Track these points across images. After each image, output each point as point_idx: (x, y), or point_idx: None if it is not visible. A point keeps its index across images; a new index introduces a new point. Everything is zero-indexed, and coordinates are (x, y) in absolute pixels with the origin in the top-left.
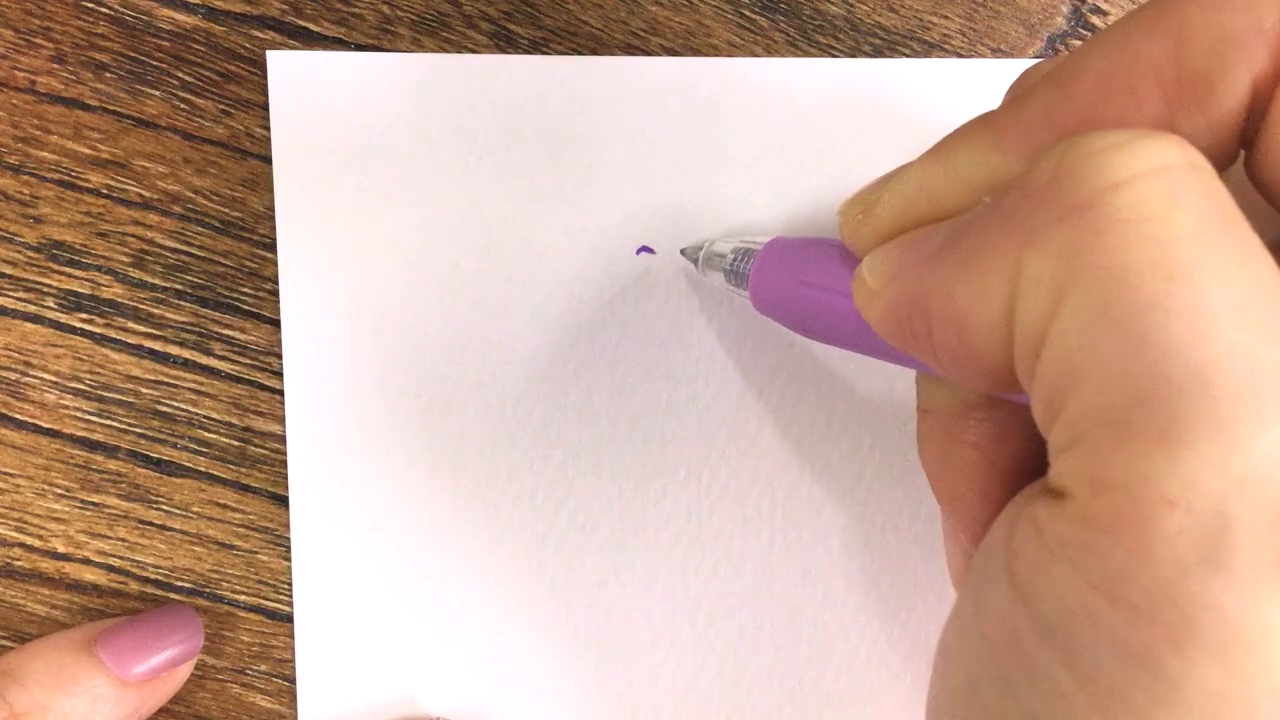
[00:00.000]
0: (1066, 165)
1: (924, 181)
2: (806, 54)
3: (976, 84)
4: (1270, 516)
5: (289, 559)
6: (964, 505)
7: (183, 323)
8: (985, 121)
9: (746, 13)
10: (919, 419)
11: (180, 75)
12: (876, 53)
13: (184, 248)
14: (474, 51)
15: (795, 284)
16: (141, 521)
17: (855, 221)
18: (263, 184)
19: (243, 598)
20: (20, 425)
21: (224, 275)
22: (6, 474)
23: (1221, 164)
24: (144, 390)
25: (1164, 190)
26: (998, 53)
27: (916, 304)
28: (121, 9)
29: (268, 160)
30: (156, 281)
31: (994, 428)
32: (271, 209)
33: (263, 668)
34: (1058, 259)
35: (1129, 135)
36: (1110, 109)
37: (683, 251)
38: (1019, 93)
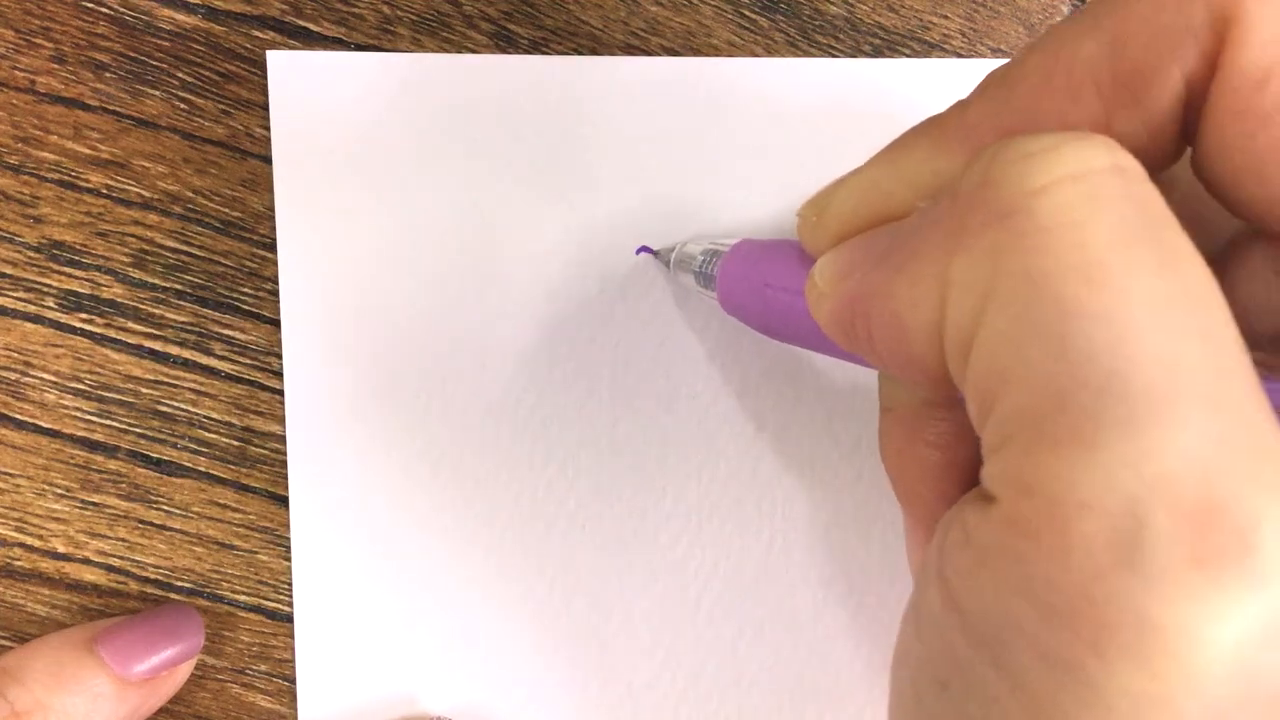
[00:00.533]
0: (993, 171)
1: (874, 183)
2: (806, 54)
3: (976, 84)
4: (1184, 516)
5: (289, 559)
6: (922, 504)
7: (183, 323)
8: (932, 123)
9: (746, 13)
10: (880, 417)
11: (180, 75)
12: (876, 53)
13: (184, 248)
14: (474, 51)
15: (758, 286)
16: (141, 521)
17: (810, 223)
18: (263, 184)
19: (243, 598)
20: (20, 425)
21: (224, 275)
22: (6, 474)
23: (1162, 163)
24: (144, 390)
25: (1086, 194)
26: (998, 53)
27: (859, 306)
28: (121, 9)
29: (268, 160)
30: (156, 281)
31: (953, 427)
32: (271, 209)
33: (263, 668)
34: (982, 264)
35: (1055, 139)
36: (1049, 109)
37: (655, 253)
38: (970, 94)
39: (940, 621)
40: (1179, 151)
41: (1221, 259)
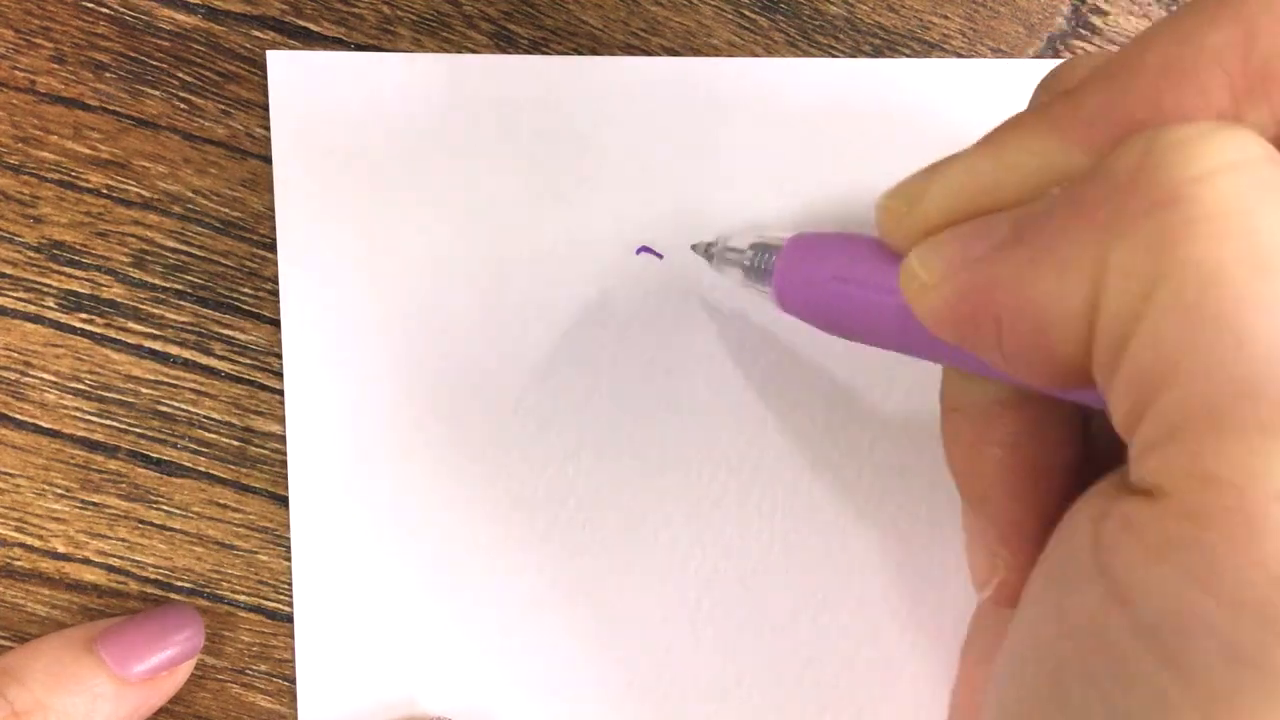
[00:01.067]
0: (1149, 157)
1: (975, 173)
2: (806, 54)
3: (976, 84)
4: None
5: (289, 559)
6: (992, 505)
7: (183, 323)
8: (1039, 114)
9: (746, 13)
10: (946, 418)
11: (180, 75)
12: (876, 53)
13: (184, 248)
14: (474, 51)
15: (827, 280)
16: (141, 521)
17: (898, 214)
18: (263, 184)
19: (243, 598)
20: (20, 425)
21: (224, 275)
22: (6, 474)
23: None
24: (144, 390)
25: (1251, 183)
26: (998, 53)
27: (982, 297)
28: (121, 9)
29: (268, 160)
30: (156, 281)
31: (1025, 425)
32: (271, 209)
33: (263, 668)
34: (1146, 252)
35: (1209, 127)
36: (1174, 101)
37: (693, 247)
38: (1065, 86)
39: (1098, 615)
40: None
41: None
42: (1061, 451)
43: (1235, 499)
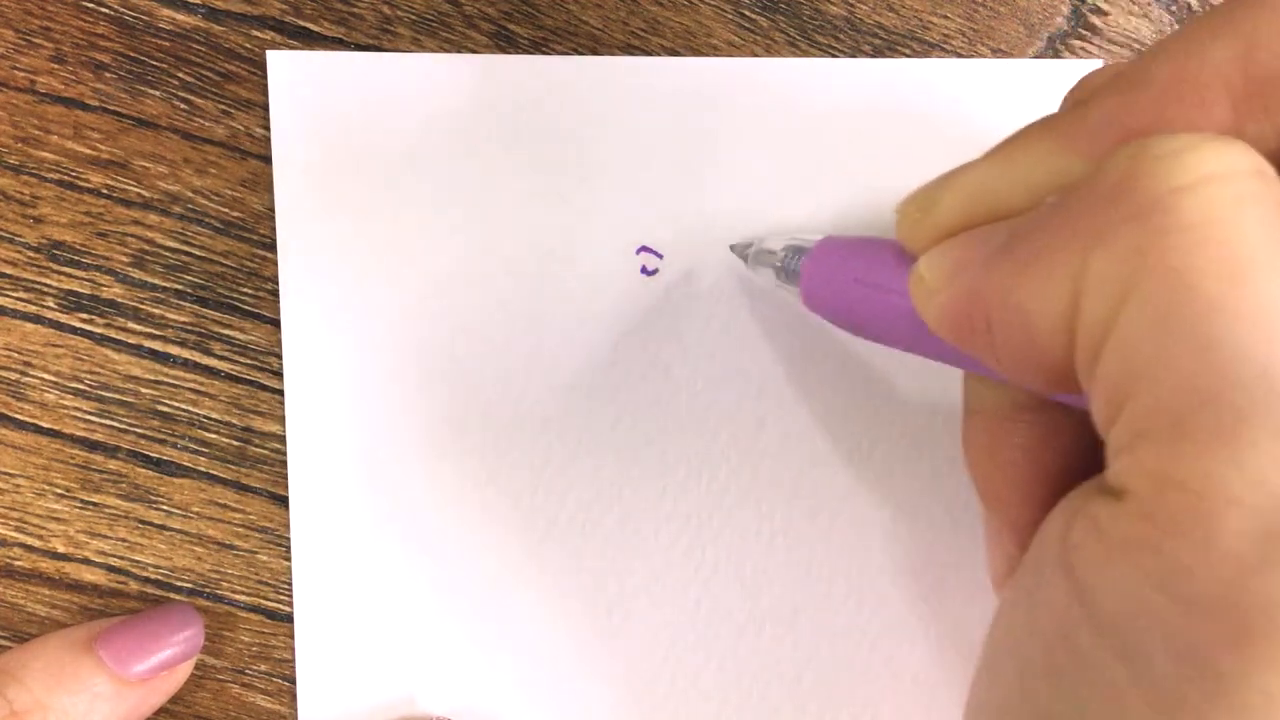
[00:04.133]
0: (1134, 168)
1: (986, 181)
2: (806, 54)
3: (976, 84)
4: None
5: (289, 559)
6: (1009, 507)
7: (183, 323)
8: (1049, 124)
9: (746, 13)
10: (966, 421)
11: (180, 75)
12: (876, 53)
13: (184, 248)
14: (474, 51)
15: (849, 283)
16: (141, 521)
17: (913, 220)
18: (263, 184)
19: (243, 598)
20: (20, 425)
21: (224, 275)
22: (6, 474)
23: None
24: (144, 390)
25: (1231, 194)
26: (998, 53)
27: (976, 302)
28: (121, 9)
29: (268, 160)
30: (156, 281)
31: (1041, 430)
32: (271, 209)
33: (263, 668)
34: (1123, 260)
35: (1197, 139)
36: (1178, 114)
37: (732, 247)
38: (1082, 96)
39: (1062, 613)
40: None
41: None
42: (1076, 455)
43: (1192, 503)
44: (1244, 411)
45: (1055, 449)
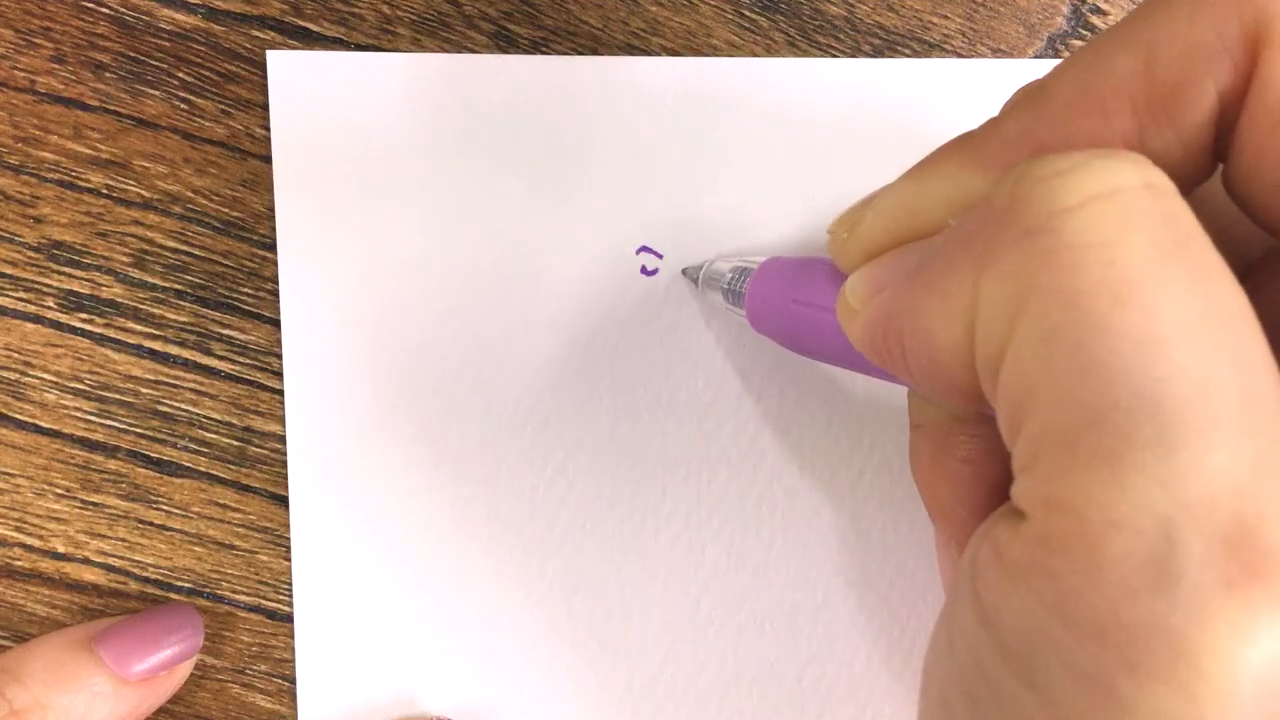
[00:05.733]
0: (1022, 189)
1: (904, 200)
2: (806, 54)
3: (976, 84)
4: (1217, 539)
5: (289, 559)
6: (954, 520)
7: (183, 323)
8: (963, 141)
9: (746, 13)
10: (911, 434)
11: (180, 75)
12: (876, 53)
13: (184, 248)
14: (474, 51)
15: (788, 303)
16: (141, 521)
17: (840, 240)
18: (263, 184)
19: (243, 598)
20: (20, 425)
21: (224, 275)
22: (6, 474)
23: (1195, 180)
24: (144, 390)
25: (1116, 212)
26: (998, 53)
27: (890, 323)
28: (121, 9)
29: (268, 160)
30: (156, 281)
31: (984, 444)
32: (271, 209)
33: (263, 668)
34: (1011, 282)
35: (1084, 157)
36: (1082, 126)
37: (684, 271)
38: (1001, 111)
39: (972, 636)
40: (1212, 168)
41: (1253, 276)
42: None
43: (1079, 526)
44: (1127, 434)
45: (999, 462)
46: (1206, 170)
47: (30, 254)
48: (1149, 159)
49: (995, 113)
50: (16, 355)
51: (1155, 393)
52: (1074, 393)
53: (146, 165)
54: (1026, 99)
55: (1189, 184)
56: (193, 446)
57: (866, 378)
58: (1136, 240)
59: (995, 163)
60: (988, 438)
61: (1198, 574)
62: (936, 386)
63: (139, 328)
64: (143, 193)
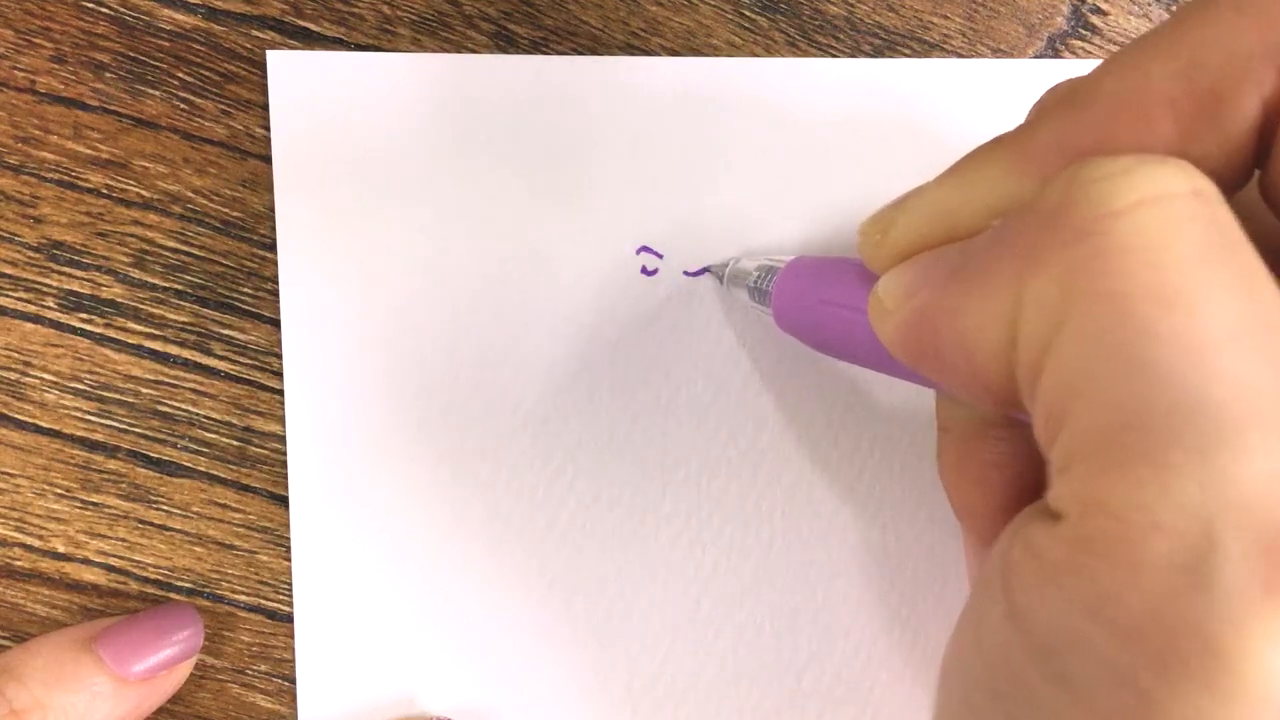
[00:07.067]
0: (1071, 192)
1: (940, 203)
2: (806, 54)
3: (976, 84)
4: (1258, 542)
5: (289, 559)
6: (981, 522)
7: (183, 323)
8: (1001, 143)
9: (746, 13)
10: (938, 437)
11: (180, 75)
12: (876, 53)
13: (184, 248)
14: (474, 51)
15: (815, 302)
16: (141, 521)
17: (873, 241)
18: (263, 184)
19: (243, 598)
20: (20, 425)
21: (224, 275)
22: (6, 474)
23: (1234, 185)
24: (144, 390)
25: (1165, 217)
26: (998, 53)
27: (926, 325)
28: (121, 9)
29: (268, 160)
30: (156, 281)
31: (1011, 446)
32: (271, 209)
33: (263, 668)
34: (1058, 284)
35: (1133, 161)
36: (1123, 131)
37: (709, 268)
38: (1036, 114)
39: (1001, 634)
40: (1249, 175)
41: None
42: (1045, 470)
43: (1118, 528)
44: (1169, 437)
45: (1026, 464)
46: (1245, 177)
47: (30, 254)
48: (1193, 166)
49: (995, 113)
50: (16, 355)
51: (1198, 396)
52: (1117, 395)
53: (146, 165)
54: (1065, 103)
55: (1228, 189)
56: (193, 446)
57: (868, 378)
58: (1183, 245)
59: (1036, 167)
60: (1015, 441)
61: (1236, 577)
62: (971, 388)
63: (139, 328)
64: (143, 193)
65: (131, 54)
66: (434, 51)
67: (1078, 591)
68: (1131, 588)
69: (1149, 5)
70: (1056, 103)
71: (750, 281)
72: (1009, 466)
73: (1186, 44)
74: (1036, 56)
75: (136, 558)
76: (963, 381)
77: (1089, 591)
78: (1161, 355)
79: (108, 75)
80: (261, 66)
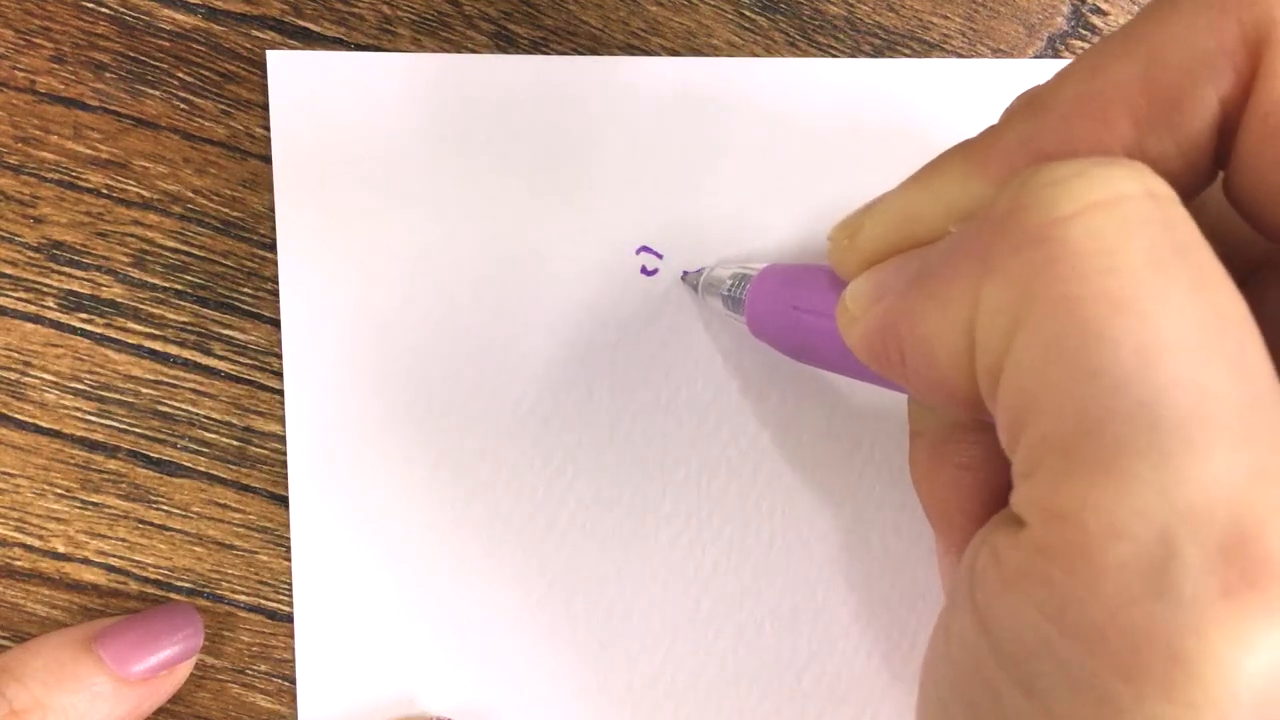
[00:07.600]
0: (1024, 196)
1: (905, 208)
2: (806, 54)
3: (976, 84)
4: (1216, 546)
5: (289, 559)
6: (953, 526)
7: (183, 323)
8: (964, 148)
9: (746, 13)
10: (910, 441)
11: (180, 75)
12: (876, 53)
13: (184, 248)
14: (474, 51)
15: (787, 309)
16: (141, 521)
17: (842, 247)
18: (263, 184)
19: (243, 598)
20: (20, 425)
21: (224, 275)
22: (6, 474)
23: (1196, 186)
24: (144, 390)
25: (1118, 220)
26: (998, 53)
27: (889, 331)
28: (121, 9)
29: (268, 160)
30: (156, 281)
31: (983, 451)
32: (271, 209)
33: (263, 668)
34: (1012, 290)
35: (1086, 165)
36: (1083, 134)
37: (683, 277)
38: (1002, 118)
39: (970, 642)
40: (1212, 175)
41: (1253, 282)
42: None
43: (1078, 535)
44: (1125, 442)
45: (996, 468)
46: (1207, 177)
47: (30, 254)
48: (1149, 166)
49: (995, 113)
50: (16, 355)
51: (1154, 401)
52: (1074, 401)
53: (146, 165)
54: (1027, 106)
55: (1190, 190)
56: (193, 446)
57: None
58: (1136, 248)
59: (996, 170)
60: (986, 445)
61: (1195, 582)
62: (936, 394)
63: (139, 328)
64: (143, 193)
65: (131, 54)
66: (434, 51)
67: (1040, 598)
68: (1093, 595)
69: None
70: (1020, 106)
71: (724, 290)
72: (980, 470)
73: (1144, 44)
74: (1036, 56)
75: (136, 558)
76: (927, 387)
77: (1052, 599)
78: (1115, 359)
79: (108, 75)
80: (261, 66)
